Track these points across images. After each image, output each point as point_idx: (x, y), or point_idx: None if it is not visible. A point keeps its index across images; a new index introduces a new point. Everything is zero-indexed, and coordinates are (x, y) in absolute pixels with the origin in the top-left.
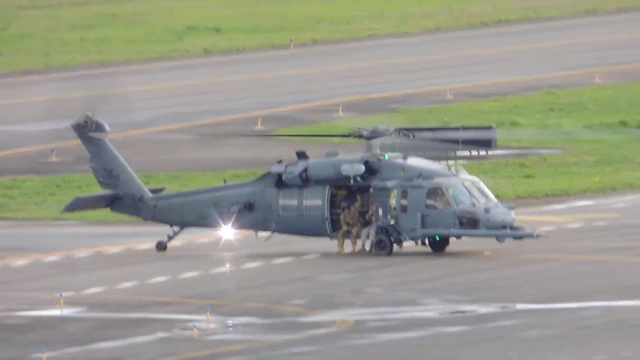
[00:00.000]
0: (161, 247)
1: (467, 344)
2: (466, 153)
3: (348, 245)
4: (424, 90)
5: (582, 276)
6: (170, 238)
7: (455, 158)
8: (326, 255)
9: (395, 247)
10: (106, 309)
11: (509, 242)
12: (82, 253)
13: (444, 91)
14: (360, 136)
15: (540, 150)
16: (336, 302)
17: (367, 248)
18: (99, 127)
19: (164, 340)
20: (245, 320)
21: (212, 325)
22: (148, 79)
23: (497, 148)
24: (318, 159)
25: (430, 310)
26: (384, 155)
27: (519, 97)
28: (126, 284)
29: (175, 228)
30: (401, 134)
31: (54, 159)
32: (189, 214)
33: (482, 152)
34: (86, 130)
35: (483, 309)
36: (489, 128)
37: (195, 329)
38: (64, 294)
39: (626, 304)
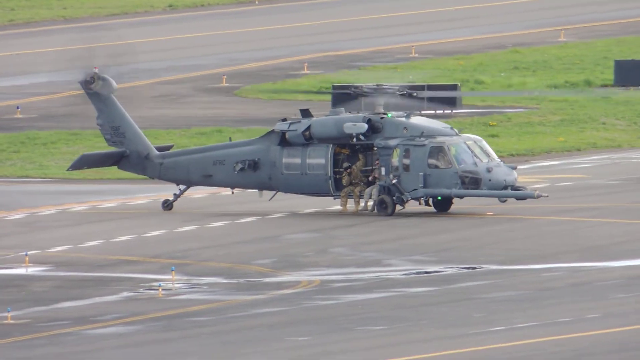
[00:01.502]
0: (167, 205)
1: (431, 305)
2: (431, 112)
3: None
4: (389, 48)
5: (547, 237)
6: (176, 197)
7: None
8: (292, 215)
9: (398, 207)
10: (71, 268)
11: (483, 201)
12: (47, 211)
13: (409, 48)
14: (362, 94)
15: (505, 110)
16: (301, 262)
17: (370, 208)
18: (105, 84)
19: (129, 300)
20: (210, 280)
21: (177, 285)
22: (111, 34)
23: (461, 107)
24: (321, 117)
25: (395, 270)
26: (387, 114)
27: (484, 55)
28: (91, 243)
29: (181, 186)
30: (406, 92)
31: (19, 115)
32: (194, 172)
33: (447, 111)
34: (93, 86)
35: (448, 270)
36: (453, 87)
37: (160, 289)
38: (29, 253)
39: (591, 265)
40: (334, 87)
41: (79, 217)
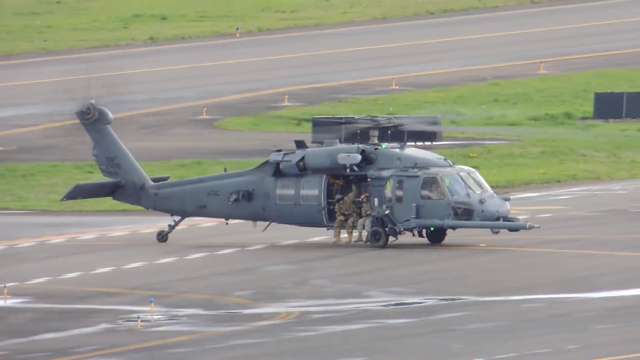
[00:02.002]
0: (162, 237)
1: (411, 337)
2: (411, 144)
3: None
4: (369, 80)
5: (527, 268)
6: (171, 228)
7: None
8: (271, 246)
9: (391, 238)
10: (50, 299)
11: (461, 232)
12: (26, 243)
13: (389, 81)
14: (354, 124)
15: (486, 142)
16: (281, 293)
17: (364, 239)
18: (102, 115)
19: (108, 332)
20: (189, 312)
21: (156, 317)
22: (93, 67)
23: (441, 139)
24: (315, 148)
25: (375, 302)
26: (381, 145)
27: (464, 88)
28: (70, 275)
29: (176, 217)
30: (393, 124)
31: None
32: (189, 203)
33: (427, 143)
34: (89, 117)
35: (427, 301)
36: (434, 119)
37: (139, 320)
38: (8, 285)
39: (570, 296)
40: (314, 120)
41: (58, 249)
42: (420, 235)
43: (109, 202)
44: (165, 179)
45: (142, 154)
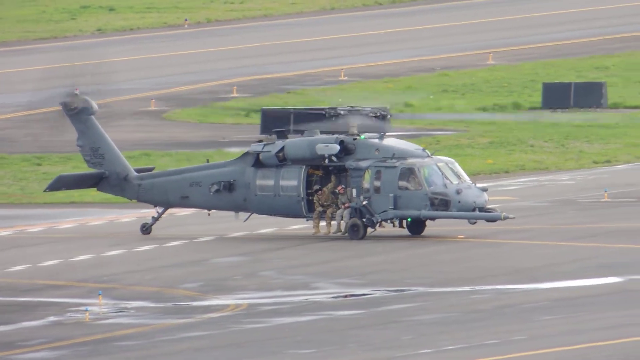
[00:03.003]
0: (145, 229)
1: (359, 328)
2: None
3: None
4: (318, 71)
5: (475, 259)
6: (155, 220)
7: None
8: (220, 238)
9: (370, 229)
10: None
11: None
12: None
13: (338, 72)
14: (337, 114)
15: (434, 132)
16: (229, 285)
17: (343, 229)
18: (86, 106)
19: (55, 325)
20: (138, 304)
21: (104, 309)
22: (41, 58)
23: (390, 129)
24: (295, 139)
25: (324, 293)
26: (360, 135)
27: (412, 78)
28: (17, 268)
29: (159, 209)
30: (379, 114)
31: None
32: (172, 194)
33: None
34: (73, 108)
35: (376, 293)
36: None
37: (87, 313)
38: None
39: (517, 287)
40: (263, 110)
41: (5, 242)
42: (401, 225)
43: (57, 194)
44: (151, 169)
45: None
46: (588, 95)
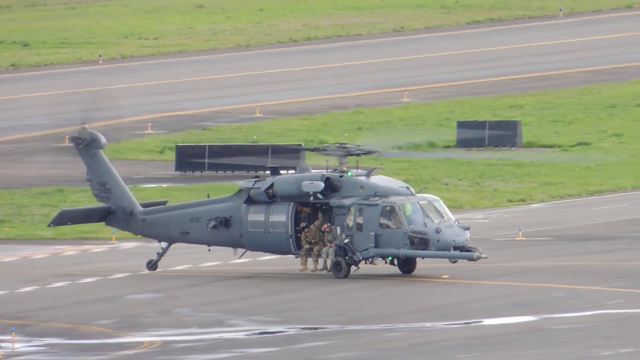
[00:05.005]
0: (151, 265)
1: None
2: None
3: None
4: (233, 108)
5: (388, 297)
6: (160, 255)
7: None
8: (134, 275)
9: (353, 267)
10: None
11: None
12: None
13: (253, 108)
14: (323, 152)
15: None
16: (143, 322)
17: (329, 267)
18: (94, 140)
19: None
20: (51, 341)
21: (17, 346)
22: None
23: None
24: (284, 175)
25: (238, 330)
26: (347, 172)
27: (327, 115)
28: None
29: (163, 244)
30: (367, 151)
31: None
32: (173, 229)
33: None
34: (82, 142)
35: (290, 330)
36: (298, 147)
37: (0, 350)
38: None
39: (431, 325)
40: (178, 147)
41: None
42: (392, 262)
43: None
44: (163, 203)
45: (3, 182)
46: (503, 133)
